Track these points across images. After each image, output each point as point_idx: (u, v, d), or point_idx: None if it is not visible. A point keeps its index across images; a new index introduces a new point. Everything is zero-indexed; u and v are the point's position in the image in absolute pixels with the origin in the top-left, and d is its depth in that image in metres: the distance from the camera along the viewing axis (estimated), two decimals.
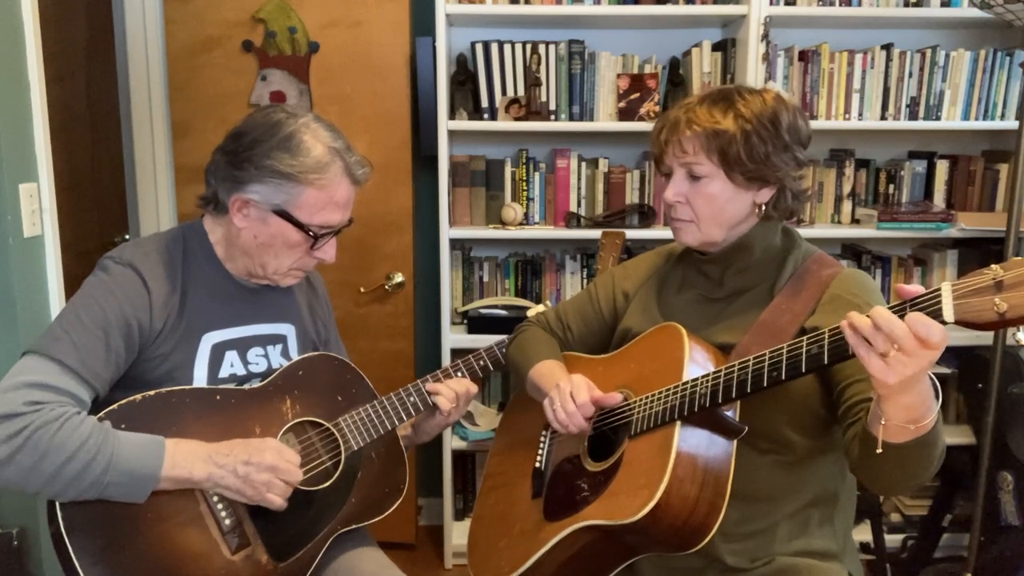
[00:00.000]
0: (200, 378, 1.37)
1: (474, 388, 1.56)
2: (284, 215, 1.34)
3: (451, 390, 1.53)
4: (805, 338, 1.10)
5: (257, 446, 1.30)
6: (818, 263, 1.34)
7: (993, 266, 0.90)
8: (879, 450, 1.05)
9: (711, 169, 1.30)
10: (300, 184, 1.32)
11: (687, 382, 1.24)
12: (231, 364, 1.42)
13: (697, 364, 1.28)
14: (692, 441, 1.21)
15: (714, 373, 1.21)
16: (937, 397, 1.03)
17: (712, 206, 1.31)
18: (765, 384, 1.14)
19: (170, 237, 1.42)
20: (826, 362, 1.07)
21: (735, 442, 1.23)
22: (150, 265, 1.36)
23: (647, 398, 1.29)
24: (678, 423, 1.22)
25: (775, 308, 1.30)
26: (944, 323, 0.92)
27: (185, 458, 1.26)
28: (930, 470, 1.10)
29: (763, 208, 1.33)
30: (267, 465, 1.29)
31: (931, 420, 1.03)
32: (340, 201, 1.37)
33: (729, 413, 1.23)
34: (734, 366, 1.19)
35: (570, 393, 1.35)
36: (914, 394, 1.00)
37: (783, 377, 1.12)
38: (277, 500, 1.30)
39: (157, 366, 1.34)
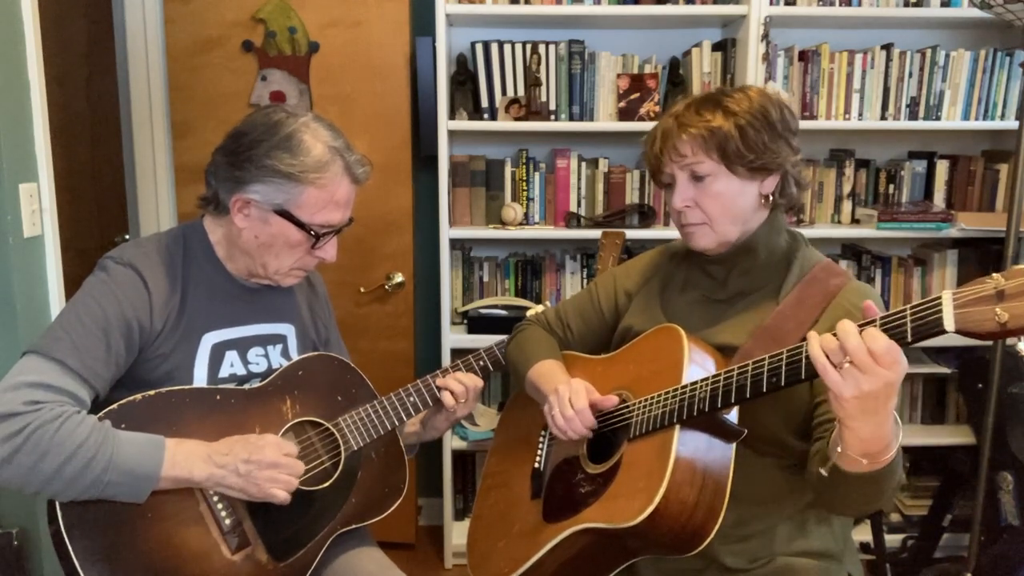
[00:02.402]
0: (200, 378, 1.37)
1: (481, 383, 1.56)
2: (285, 215, 1.34)
3: (460, 384, 1.53)
4: (805, 343, 1.10)
5: (256, 443, 1.30)
6: (825, 271, 1.33)
7: (994, 275, 0.90)
8: (824, 472, 1.07)
9: (713, 167, 1.29)
10: (301, 184, 1.32)
11: (686, 385, 1.24)
12: (231, 364, 1.42)
13: (697, 366, 1.28)
14: (691, 445, 1.21)
15: (713, 377, 1.21)
16: (897, 437, 1.04)
17: (722, 203, 1.31)
18: (764, 389, 1.14)
19: (170, 237, 1.42)
20: None
21: (734, 445, 1.23)
22: (150, 265, 1.36)
23: (646, 400, 1.29)
24: (677, 426, 1.22)
25: (780, 314, 1.29)
26: (944, 331, 0.92)
27: (185, 458, 1.26)
28: (874, 506, 1.12)
29: (771, 198, 1.33)
30: (268, 462, 1.29)
31: (886, 459, 1.04)
32: (341, 200, 1.37)
33: (728, 416, 1.23)
34: (733, 370, 1.18)
35: (568, 399, 1.35)
36: (872, 426, 1.00)
37: (783, 383, 1.12)
38: (282, 495, 1.30)
39: (157, 366, 1.34)
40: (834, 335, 0.99)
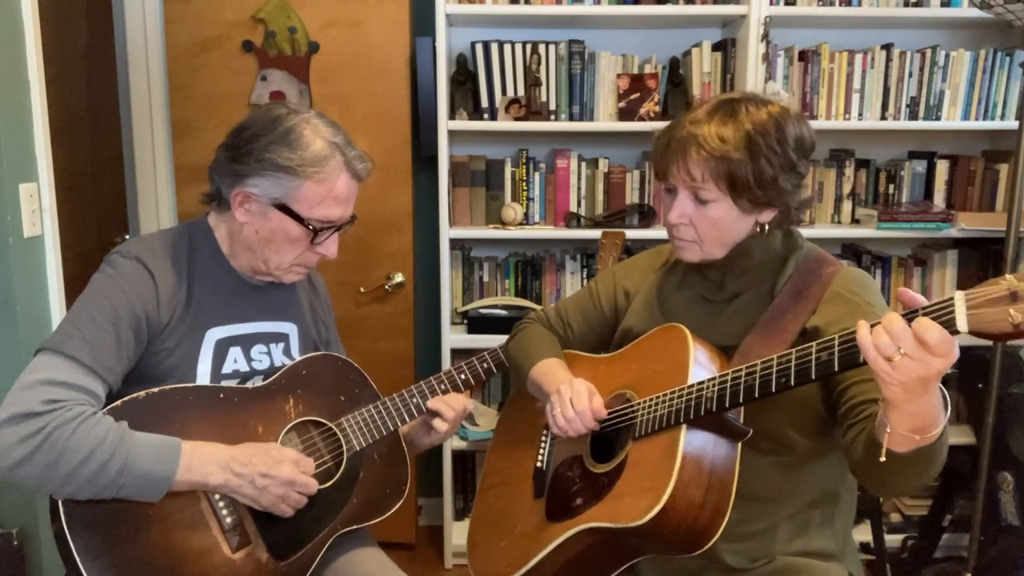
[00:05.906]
0: (203, 373, 1.38)
1: (470, 404, 1.56)
2: (283, 209, 1.34)
3: (451, 409, 1.52)
4: (815, 344, 1.09)
5: (276, 458, 1.31)
6: (818, 262, 1.34)
7: (1008, 276, 0.90)
8: (882, 458, 1.04)
9: (718, 195, 1.28)
10: (299, 178, 1.33)
11: (693, 385, 1.24)
12: (235, 360, 1.42)
13: (701, 366, 1.27)
14: (698, 444, 1.21)
15: (721, 377, 1.21)
16: (946, 409, 1.03)
17: (717, 229, 1.30)
18: (774, 390, 1.14)
19: (176, 233, 1.43)
20: (836, 369, 1.07)
21: (739, 444, 1.23)
22: (156, 259, 1.36)
23: (652, 400, 1.29)
24: (684, 426, 1.22)
25: (777, 308, 1.30)
26: (957, 333, 0.92)
27: (201, 463, 1.26)
28: (929, 476, 1.11)
29: (766, 227, 1.32)
30: (285, 479, 1.30)
31: (937, 432, 1.03)
32: (339, 195, 1.37)
33: (733, 415, 1.23)
34: (741, 371, 1.18)
35: (570, 399, 1.35)
36: (920, 403, 0.99)
37: (792, 384, 1.12)
38: (288, 511, 1.33)
39: (162, 360, 1.34)
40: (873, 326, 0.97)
